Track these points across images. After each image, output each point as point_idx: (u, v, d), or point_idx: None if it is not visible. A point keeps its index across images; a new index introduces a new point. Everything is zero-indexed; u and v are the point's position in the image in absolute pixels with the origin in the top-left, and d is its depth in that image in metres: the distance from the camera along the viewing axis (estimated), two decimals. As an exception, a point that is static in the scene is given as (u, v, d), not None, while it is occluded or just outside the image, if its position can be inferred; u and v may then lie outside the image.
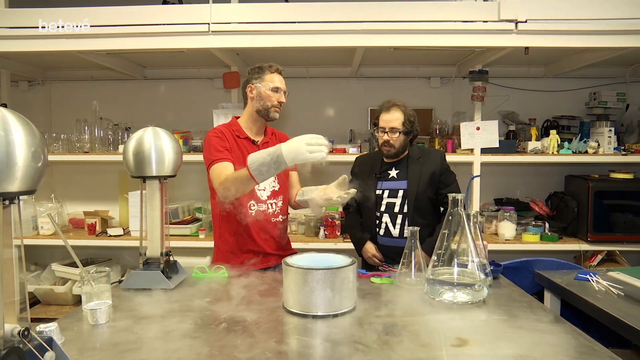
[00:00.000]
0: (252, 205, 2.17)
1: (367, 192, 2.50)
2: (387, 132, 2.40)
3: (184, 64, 3.73)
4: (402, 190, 2.43)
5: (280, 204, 2.26)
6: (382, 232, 2.46)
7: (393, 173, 2.48)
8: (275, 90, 2.16)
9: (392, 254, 2.36)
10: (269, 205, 2.21)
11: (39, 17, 2.80)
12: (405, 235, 2.40)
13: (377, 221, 2.48)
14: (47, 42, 2.87)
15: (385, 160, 2.52)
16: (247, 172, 1.81)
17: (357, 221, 2.59)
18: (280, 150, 1.75)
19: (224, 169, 2.03)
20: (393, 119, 2.40)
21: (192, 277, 1.99)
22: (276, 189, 2.26)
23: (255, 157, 1.81)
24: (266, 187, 2.22)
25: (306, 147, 1.72)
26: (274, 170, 1.79)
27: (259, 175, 1.81)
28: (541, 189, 3.77)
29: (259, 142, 2.24)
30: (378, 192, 2.47)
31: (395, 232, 2.43)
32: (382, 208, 2.46)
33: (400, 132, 2.39)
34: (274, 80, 2.17)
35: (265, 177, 1.83)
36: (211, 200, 2.27)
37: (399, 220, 2.42)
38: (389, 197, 2.45)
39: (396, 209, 2.43)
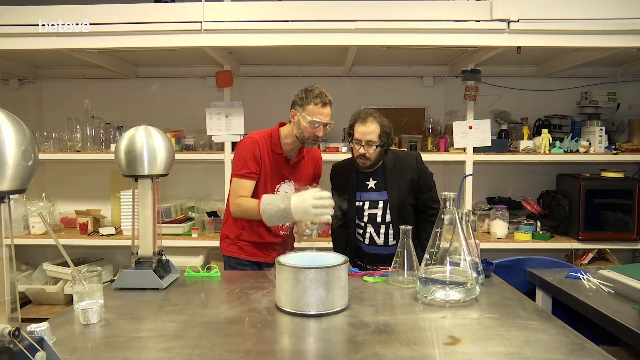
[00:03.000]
0: None
1: (345, 203, 2.44)
2: (363, 145, 2.30)
3: (176, 62, 3.72)
4: (382, 202, 2.39)
5: None
6: (367, 241, 2.43)
7: (371, 184, 2.42)
8: (313, 123, 2.14)
9: (378, 260, 2.35)
10: None
11: (37, 17, 2.77)
12: (390, 243, 2.39)
13: (362, 231, 2.45)
14: (39, 40, 2.84)
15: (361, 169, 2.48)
16: (259, 215, 2.02)
17: (342, 239, 2.54)
18: (289, 207, 1.92)
19: (243, 187, 2.17)
20: (369, 131, 2.28)
21: (185, 277, 1.98)
22: None
23: (266, 208, 1.99)
24: (287, 191, 2.26)
25: (313, 210, 1.88)
26: (284, 220, 2.00)
27: (270, 223, 2.05)
28: (533, 187, 3.79)
29: (291, 161, 2.29)
30: (358, 203, 2.42)
31: (380, 241, 2.40)
32: (365, 219, 2.42)
33: (376, 146, 2.30)
34: (314, 114, 2.13)
35: (276, 223, 2.07)
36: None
37: (382, 230, 2.39)
38: (370, 208, 2.41)
39: (379, 219, 2.39)
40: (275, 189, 2.27)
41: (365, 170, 2.42)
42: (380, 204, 2.39)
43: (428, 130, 3.61)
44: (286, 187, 2.30)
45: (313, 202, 1.87)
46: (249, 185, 2.19)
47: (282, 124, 2.31)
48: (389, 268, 1.94)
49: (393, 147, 2.55)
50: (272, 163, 2.23)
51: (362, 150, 2.31)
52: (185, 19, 2.82)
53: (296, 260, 1.59)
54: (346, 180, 2.47)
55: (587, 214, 3.24)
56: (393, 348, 1.26)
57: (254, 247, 2.32)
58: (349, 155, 2.71)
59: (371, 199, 2.41)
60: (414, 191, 2.39)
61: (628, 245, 3.30)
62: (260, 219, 2.02)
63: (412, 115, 3.72)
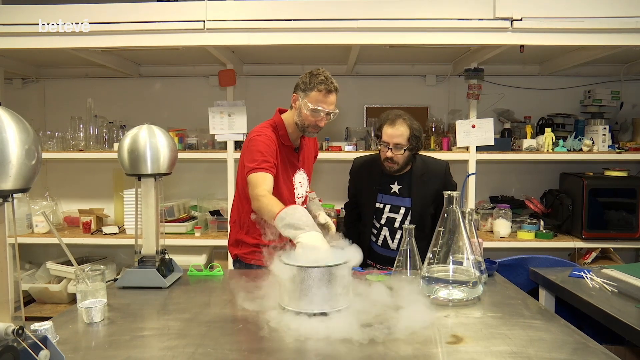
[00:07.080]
0: None
1: (365, 201, 2.42)
2: (390, 149, 2.23)
3: (179, 61, 3.72)
4: (404, 208, 2.34)
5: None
6: (379, 242, 2.42)
7: (395, 188, 2.36)
8: (315, 112, 2.01)
9: (389, 262, 2.32)
10: None
11: (38, 16, 2.77)
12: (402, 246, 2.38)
13: (376, 232, 2.42)
14: (43, 40, 2.85)
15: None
16: (273, 220, 1.75)
17: (354, 236, 2.47)
18: (297, 238, 1.67)
19: (264, 181, 1.92)
20: (397, 134, 2.21)
21: (188, 276, 1.98)
22: (307, 193, 2.26)
23: (278, 224, 1.73)
24: (303, 195, 2.22)
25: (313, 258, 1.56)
26: (287, 234, 1.73)
27: (273, 224, 1.77)
28: (536, 186, 3.78)
29: (300, 150, 2.20)
30: (378, 205, 2.38)
31: (393, 245, 2.39)
32: (383, 221, 2.39)
33: (405, 149, 2.23)
34: (317, 101, 1.99)
35: (275, 226, 1.76)
36: (240, 198, 2.18)
37: (397, 235, 2.37)
38: (390, 212, 2.37)
39: (396, 225, 2.36)
40: (291, 182, 2.18)
41: (392, 173, 2.35)
42: (402, 210, 2.35)
43: (431, 129, 3.60)
44: (299, 177, 2.20)
45: (316, 254, 1.58)
46: (269, 179, 1.95)
47: (282, 111, 2.18)
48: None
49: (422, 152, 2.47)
50: (283, 157, 2.11)
51: (389, 154, 2.23)
52: (188, 18, 2.82)
53: (299, 259, 1.58)
54: (368, 177, 2.40)
55: (590, 213, 3.23)
56: (396, 347, 1.26)
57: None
58: (351, 155, 2.71)
59: (393, 202, 2.36)
60: (437, 201, 2.34)
61: (631, 244, 3.30)
62: (267, 219, 1.82)
63: (414, 114, 3.66)
